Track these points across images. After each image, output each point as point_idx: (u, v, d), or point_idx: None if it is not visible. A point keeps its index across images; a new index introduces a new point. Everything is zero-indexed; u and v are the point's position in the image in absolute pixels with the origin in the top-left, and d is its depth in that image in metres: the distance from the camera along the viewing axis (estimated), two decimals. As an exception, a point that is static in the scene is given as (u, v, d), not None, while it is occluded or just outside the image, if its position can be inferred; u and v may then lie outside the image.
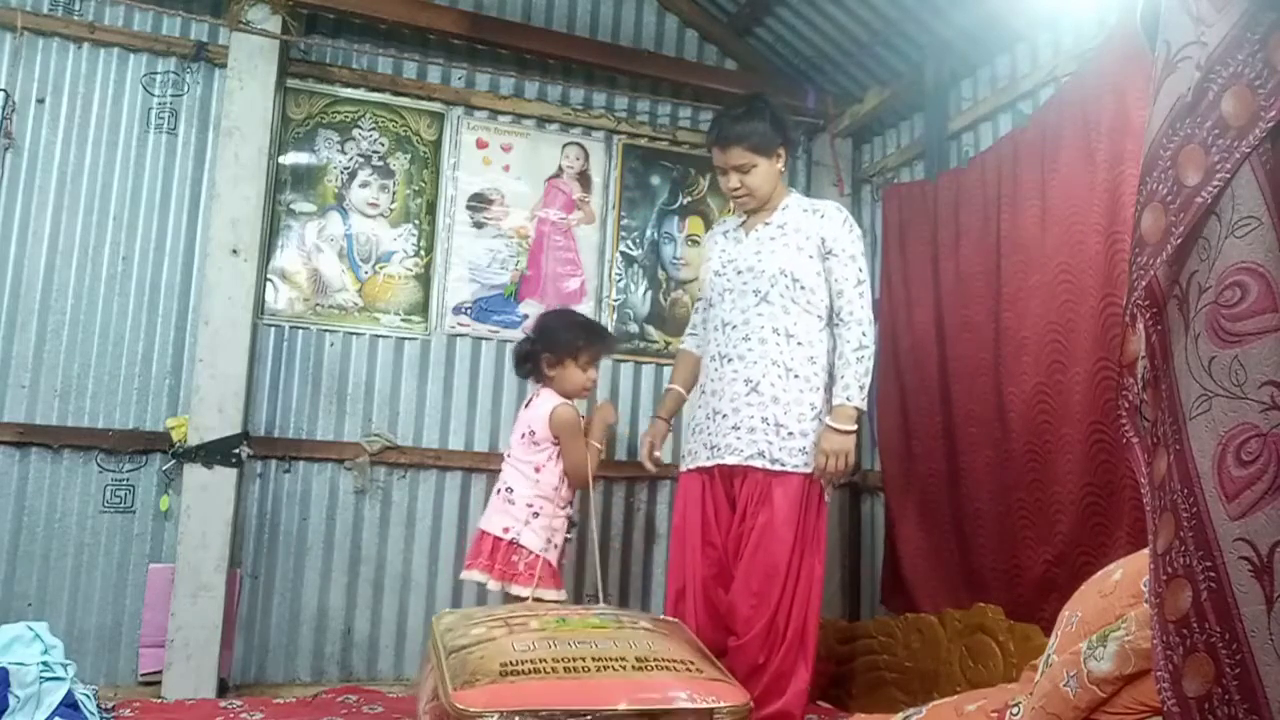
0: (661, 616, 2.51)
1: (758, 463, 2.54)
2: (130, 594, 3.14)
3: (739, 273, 2.67)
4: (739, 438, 2.57)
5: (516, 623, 2.16)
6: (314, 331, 3.43)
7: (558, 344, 2.76)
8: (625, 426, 3.77)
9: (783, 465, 2.54)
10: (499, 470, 3.49)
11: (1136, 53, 2.30)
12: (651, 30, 3.92)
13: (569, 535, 2.82)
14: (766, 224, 2.70)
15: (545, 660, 1.96)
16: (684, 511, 2.69)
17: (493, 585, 2.64)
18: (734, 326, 2.64)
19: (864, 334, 2.56)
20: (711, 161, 2.76)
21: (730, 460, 2.57)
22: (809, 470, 2.55)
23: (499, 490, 2.78)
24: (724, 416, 2.60)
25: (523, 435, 2.78)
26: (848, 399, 2.52)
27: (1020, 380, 2.74)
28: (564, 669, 1.93)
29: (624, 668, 1.97)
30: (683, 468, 2.76)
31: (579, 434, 2.75)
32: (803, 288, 2.60)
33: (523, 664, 1.93)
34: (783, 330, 2.58)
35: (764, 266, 2.62)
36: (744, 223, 2.78)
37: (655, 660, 2.02)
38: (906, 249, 3.38)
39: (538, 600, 2.57)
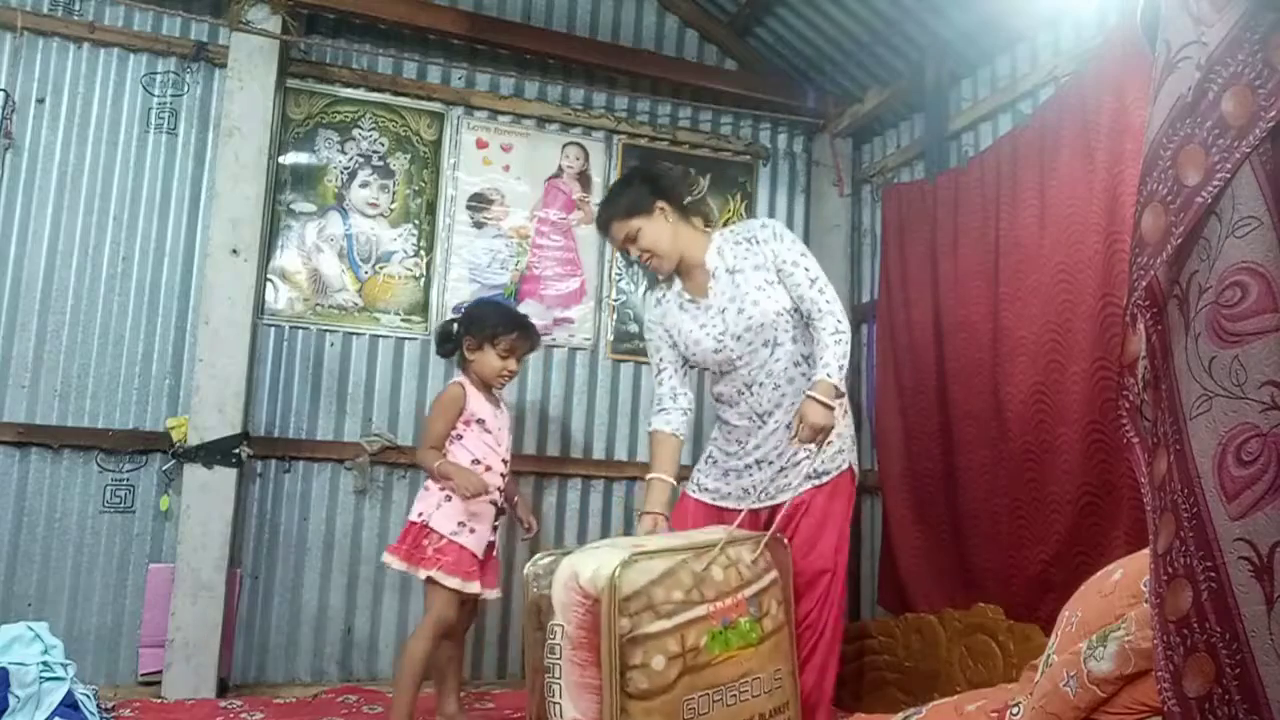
0: (774, 543, 2.41)
1: (808, 485, 2.53)
2: (130, 594, 3.14)
3: (737, 338, 2.57)
4: (787, 476, 2.55)
5: (691, 645, 2.04)
6: (314, 331, 3.43)
7: (480, 327, 2.75)
8: (626, 426, 3.77)
9: (829, 474, 2.54)
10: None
11: (1136, 53, 2.30)
12: (651, 30, 3.92)
13: (496, 523, 2.71)
14: (714, 276, 2.60)
15: None
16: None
17: (397, 566, 2.60)
18: (760, 384, 2.58)
19: (839, 321, 2.49)
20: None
21: (783, 497, 2.53)
22: (849, 466, 2.57)
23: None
24: (770, 464, 2.57)
25: None
26: (828, 375, 2.44)
27: (1018, 380, 2.74)
28: None
29: None
30: (707, 500, 2.67)
31: (443, 413, 2.70)
32: (796, 311, 2.58)
33: None
34: (798, 358, 2.57)
35: (760, 320, 2.55)
36: (687, 285, 2.66)
37: (769, 715, 2.19)
38: (905, 249, 3.38)
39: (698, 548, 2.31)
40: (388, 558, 2.63)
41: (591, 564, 2.02)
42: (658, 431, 2.67)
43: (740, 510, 2.54)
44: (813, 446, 2.46)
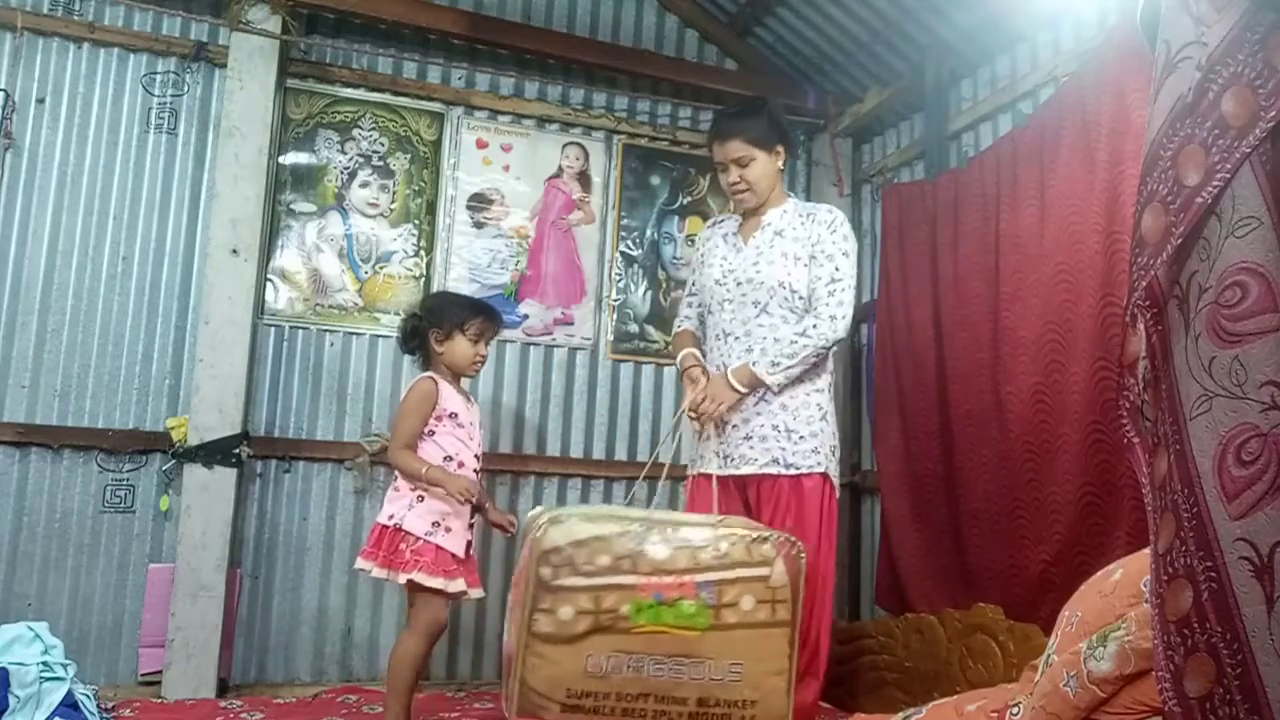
0: (781, 543, 2.26)
1: (772, 470, 2.55)
2: (130, 594, 3.14)
3: (739, 284, 2.67)
4: (751, 447, 2.57)
5: (608, 607, 2.13)
6: (314, 331, 3.43)
7: (446, 317, 2.66)
8: (626, 426, 3.78)
9: (798, 469, 2.54)
10: (495, 470, 3.51)
11: (1136, 53, 2.30)
12: (651, 30, 3.92)
13: (472, 520, 2.61)
14: (763, 229, 2.69)
15: (609, 696, 2.11)
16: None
17: (377, 573, 2.49)
18: (736, 338, 2.64)
19: (814, 326, 2.53)
20: (712, 161, 2.75)
21: (745, 470, 2.57)
22: (824, 470, 2.57)
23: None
24: (734, 427, 2.59)
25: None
26: (754, 363, 2.53)
27: (1018, 380, 2.74)
28: (621, 712, 2.11)
29: (681, 715, 2.14)
30: (692, 471, 2.73)
31: (417, 409, 2.59)
32: (801, 297, 2.61)
33: (586, 697, 2.10)
34: (784, 339, 2.57)
35: (763, 278, 2.62)
36: (742, 226, 2.77)
37: (715, 703, 2.16)
38: (905, 249, 3.38)
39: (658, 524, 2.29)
40: (363, 563, 2.52)
41: (545, 518, 2.22)
42: (682, 330, 2.86)
43: (726, 475, 2.58)
44: (699, 425, 2.56)
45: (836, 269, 2.58)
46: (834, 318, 2.54)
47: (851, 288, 2.59)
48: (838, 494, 2.62)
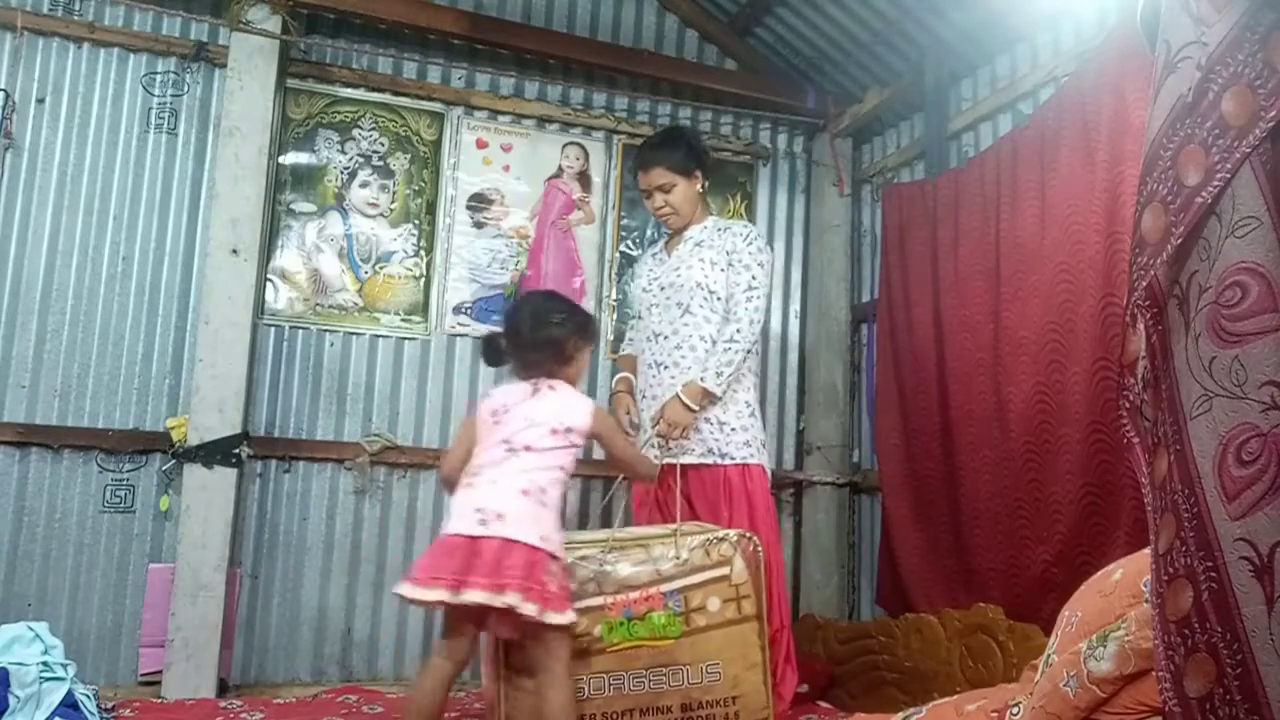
0: (738, 540, 2.38)
1: (708, 460, 2.75)
2: (130, 594, 3.14)
3: (663, 288, 2.91)
4: (687, 437, 2.75)
5: (581, 630, 2.19)
6: (314, 331, 3.42)
7: (587, 328, 2.34)
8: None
9: (731, 458, 2.75)
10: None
11: (1136, 53, 2.30)
12: (651, 30, 3.92)
13: None
14: (685, 242, 2.93)
15: (594, 717, 2.18)
16: (640, 502, 2.88)
17: (528, 609, 1.97)
18: (665, 337, 2.86)
19: (738, 330, 2.75)
20: (647, 183, 2.91)
21: (683, 460, 2.73)
22: (759, 462, 2.78)
23: (525, 490, 2.12)
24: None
25: (554, 430, 2.19)
26: (701, 379, 2.72)
27: (1019, 380, 2.74)
28: None
29: None
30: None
31: (620, 429, 2.64)
32: (719, 299, 2.82)
33: None
34: (708, 338, 2.80)
35: (683, 281, 2.85)
36: (667, 244, 3.02)
37: (698, 706, 2.24)
38: (906, 249, 3.38)
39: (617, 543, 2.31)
40: (529, 607, 1.97)
41: None
42: (624, 354, 3.15)
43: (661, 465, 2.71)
44: (665, 439, 2.70)
45: (753, 277, 2.81)
46: (753, 321, 2.78)
47: (765, 295, 2.83)
48: (769, 484, 2.86)
